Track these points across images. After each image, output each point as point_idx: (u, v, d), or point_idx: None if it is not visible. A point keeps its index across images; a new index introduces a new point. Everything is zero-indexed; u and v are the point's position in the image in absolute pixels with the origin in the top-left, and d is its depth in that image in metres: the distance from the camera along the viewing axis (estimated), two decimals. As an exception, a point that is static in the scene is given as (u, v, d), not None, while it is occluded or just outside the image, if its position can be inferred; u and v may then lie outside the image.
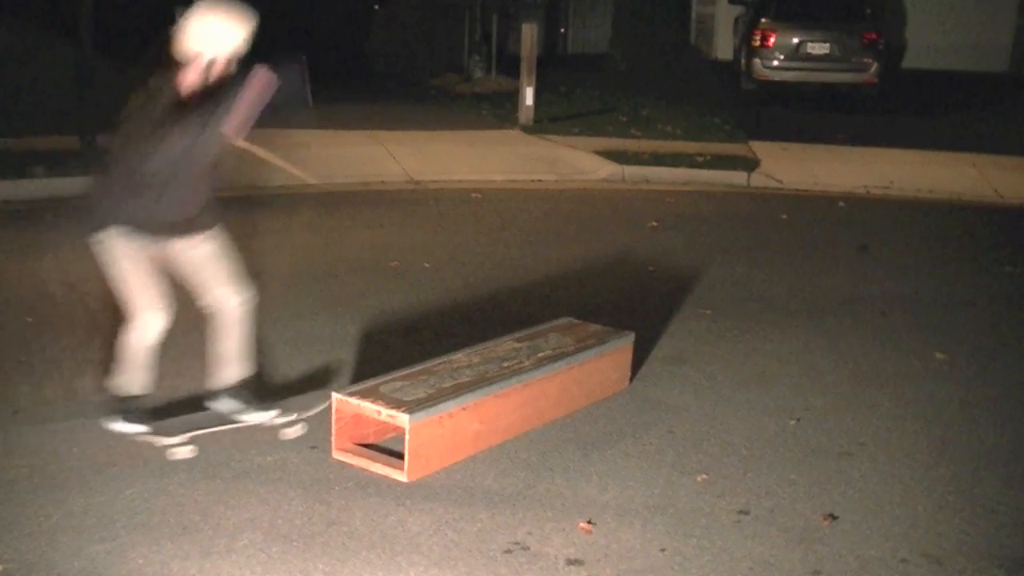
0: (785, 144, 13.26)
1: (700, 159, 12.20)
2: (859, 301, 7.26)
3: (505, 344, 5.19)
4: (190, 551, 3.75)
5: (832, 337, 6.47)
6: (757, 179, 11.74)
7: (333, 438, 4.54)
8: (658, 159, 12.14)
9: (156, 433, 4.56)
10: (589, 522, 4.09)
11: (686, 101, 15.72)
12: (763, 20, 16.85)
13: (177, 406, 4.91)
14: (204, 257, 4.54)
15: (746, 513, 4.23)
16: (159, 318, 4.46)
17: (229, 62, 4.33)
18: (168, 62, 4.26)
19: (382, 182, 10.85)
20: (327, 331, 6.13)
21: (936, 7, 21.24)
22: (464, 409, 4.53)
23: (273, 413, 4.80)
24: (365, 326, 6.23)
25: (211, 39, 4.25)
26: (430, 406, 4.40)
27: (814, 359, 6.09)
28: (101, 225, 4.35)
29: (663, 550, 3.91)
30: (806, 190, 11.48)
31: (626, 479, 4.48)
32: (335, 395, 4.52)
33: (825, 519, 4.19)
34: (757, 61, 16.72)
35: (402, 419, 4.31)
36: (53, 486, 4.17)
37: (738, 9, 19.70)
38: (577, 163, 12.00)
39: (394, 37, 20.16)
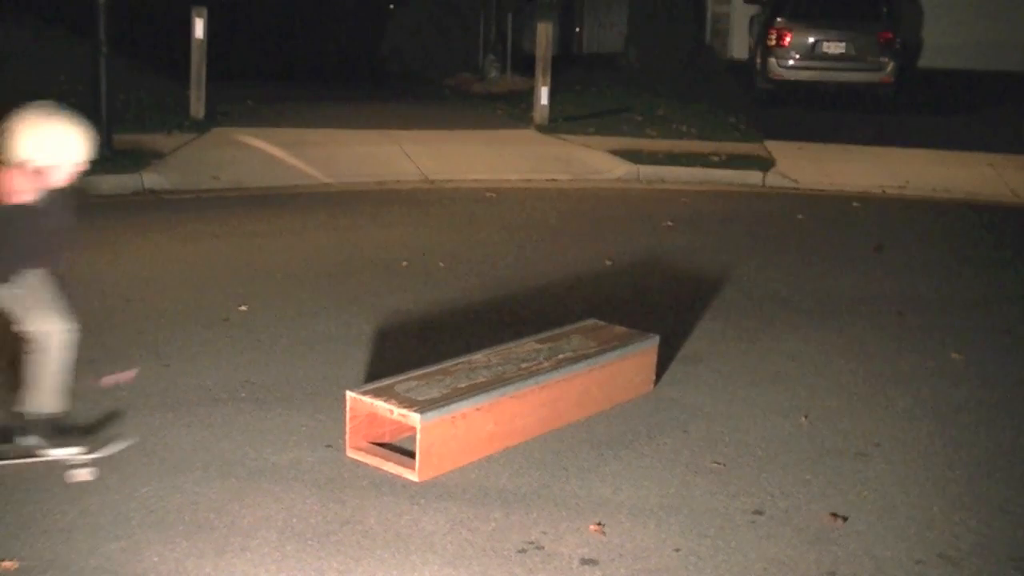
0: (801, 144, 13.23)
1: (715, 159, 12.18)
2: (875, 301, 7.24)
3: (526, 345, 5.18)
4: (205, 549, 3.76)
5: (848, 337, 6.46)
6: (772, 179, 11.72)
7: (347, 436, 4.54)
8: (673, 159, 12.13)
9: None
10: (599, 523, 4.08)
11: (701, 100, 15.68)
12: (779, 19, 16.80)
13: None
14: (22, 292, 4.34)
15: (761, 513, 4.22)
16: None
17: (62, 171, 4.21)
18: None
19: (397, 181, 10.87)
20: (342, 330, 6.14)
21: (952, 6, 21.15)
22: (478, 410, 4.53)
23: (75, 450, 4.42)
24: (380, 325, 6.24)
25: (45, 147, 4.14)
26: (443, 406, 4.40)
27: (829, 359, 6.07)
28: None
29: (677, 550, 3.91)
30: (822, 190, 11.46)
31: (640, 479, 4.47)
32: (349, 394, 4.53)
33: (840, 519, 4.18)
34: (773, 60, 16.66)
35: (413, 418, 4.31)
36: (69, 484, 4.18)
37: (754, 8, 19.65)
38: (592, 163, 12.00)
39: (409, 37, 20.18)
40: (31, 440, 4.41)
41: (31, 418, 4.40)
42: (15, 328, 4.37)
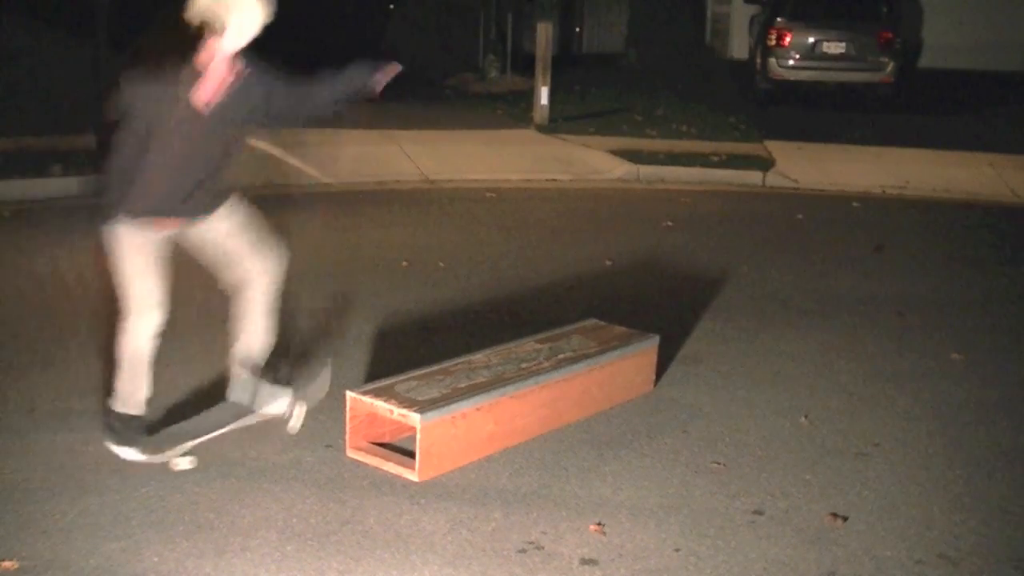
0: (800, 144, 13.23)
1: (715, 159, 12.18)
2: (875, 301, 7.24)
3: (526, 345, 5.18)
4: (205, 549, 3.76)
5: (848, 337, 6.46)
6: (772, 179, 11.72)
7: (347, 436, 4.54)
8: (673, 158, 12.13)
9: (152, 452, 4.35)
10: (599, 523, 4.09)
11: (701, 100, 15.70)
12: (779, 19, 16.81)
13: (178, 410, 4.81)
14: (224, 233, 4.41)
15: (761, 513, 4.22)
16: (154, 317, 4.26)
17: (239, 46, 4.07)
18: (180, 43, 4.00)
19: (397, 181, 10.86)
20: (342, 330, 6.14)
21: (952, 6, 21.17)
22: (478, 410, 4.53)
23: (282, 403, 4.65)
24: (380, 325, 6.24)
25: (227, 15, 3.97)
26: (443, 406, 4.40)
27: (829, 359, 6.07)
28: (112, 215, 4.14)
29: (677, 550, 3.91)
30: (821, 190, 11.45)
31: (640, 479, 4.48)
32: (349, 393, 4.53)
33: (840, 519, 4.18)
34: (773, 60, 16.67)
35: (413, 418, 4.31)
36: (68, 484, 4.18)
37: (754, 8, 19.66)
38: (592, 162, 12.00)
39: (409, 37, 20.17)
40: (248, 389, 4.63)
41: (252, 363, 4.63)
42: (229, 272, 4.53)
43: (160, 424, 4.58)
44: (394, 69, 4.51)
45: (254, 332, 4.58)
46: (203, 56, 4.02)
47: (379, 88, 4.51)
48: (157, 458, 4.32)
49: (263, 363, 4.64)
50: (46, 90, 12.77)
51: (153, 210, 4.15)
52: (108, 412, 4.39)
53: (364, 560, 3.74)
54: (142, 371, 4.33)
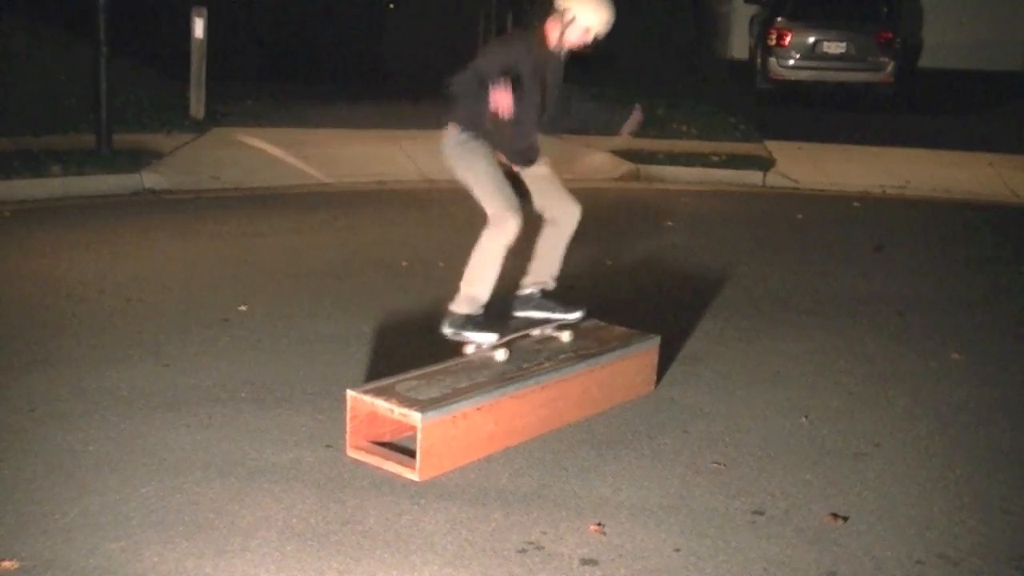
0: (801, 144, 13.24)
1: (715, 158, 12.18)
2: (875, 301, 7.24)
3: (526, 345, 5.18)
4: (204, 549, 3.76)
5: (848, 337, 6.46)
6: (772, 179, 11.73)
7: (347, 436, 4.54)
8: (673, 158, 12.13)
9: (504, 334, 5.09)
10: (599, 523, 4.09)
11: (701, 100, 15.69)
12: (779, 19, 16.82)
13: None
14: (542, 175, 5.26)
15: (761, 513, 4.22)
16: (517, 222, 4.95)
17: (589, 35, 4.93)
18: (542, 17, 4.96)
19: (397, 181, 10.87)
20: (342, 330, 6.14)
21: (952, 6, 21.17)
22: (479, 409, 4.53)
23: (578, 314, 5.34)
24: (380, 325, 6.24)
25: (586, 6, 4.84)
26: (444, 405, 4.40)
27: (829, 359, 6.07)
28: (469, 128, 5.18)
29: (677, 550, 3.91)
30: (822, 190, 11.46)
31: (640, 479, 4.48)
32: (350, 393, 4.53)
33: (840, 520, 4.18)
34: (773, 60, 16.68)
35: (414, 417, 4.31)
36: (69, 484, 4.18)
37: (754, 8, 19.66)
38: (592, 162, 12.00)
39: (409, 37, 20.18)
40: (548, 304, 5.34)
41: (543, 287, 5.35)
42: (538, 211, 5.27)
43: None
44: (637, 118, 5.56)
45: (551, 260, 5.35)
46: (554, 35, 4.93)
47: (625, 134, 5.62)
48: (502, 339, 5.06)
49: (552, 285, 5.37)
50: (46, 90, 12.78)
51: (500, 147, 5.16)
52: (455, 315, 5.11)
53: (364, 560, 3.74)
54: (493, 274, 5.03)
